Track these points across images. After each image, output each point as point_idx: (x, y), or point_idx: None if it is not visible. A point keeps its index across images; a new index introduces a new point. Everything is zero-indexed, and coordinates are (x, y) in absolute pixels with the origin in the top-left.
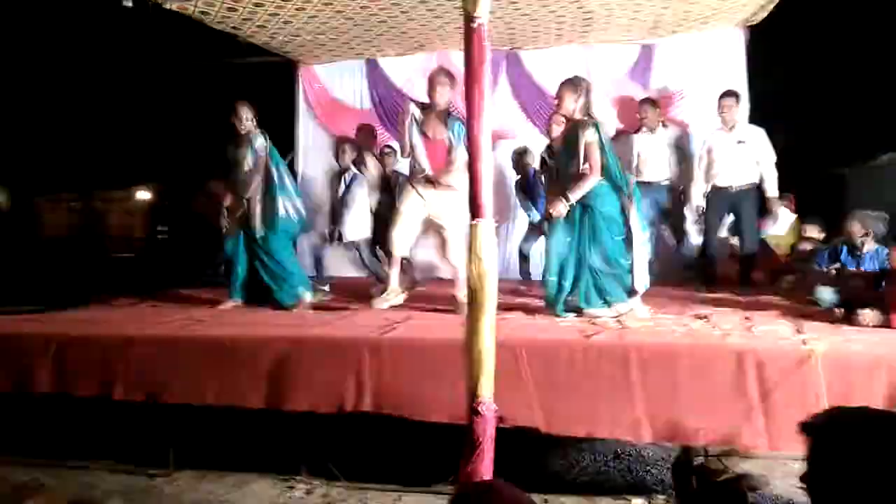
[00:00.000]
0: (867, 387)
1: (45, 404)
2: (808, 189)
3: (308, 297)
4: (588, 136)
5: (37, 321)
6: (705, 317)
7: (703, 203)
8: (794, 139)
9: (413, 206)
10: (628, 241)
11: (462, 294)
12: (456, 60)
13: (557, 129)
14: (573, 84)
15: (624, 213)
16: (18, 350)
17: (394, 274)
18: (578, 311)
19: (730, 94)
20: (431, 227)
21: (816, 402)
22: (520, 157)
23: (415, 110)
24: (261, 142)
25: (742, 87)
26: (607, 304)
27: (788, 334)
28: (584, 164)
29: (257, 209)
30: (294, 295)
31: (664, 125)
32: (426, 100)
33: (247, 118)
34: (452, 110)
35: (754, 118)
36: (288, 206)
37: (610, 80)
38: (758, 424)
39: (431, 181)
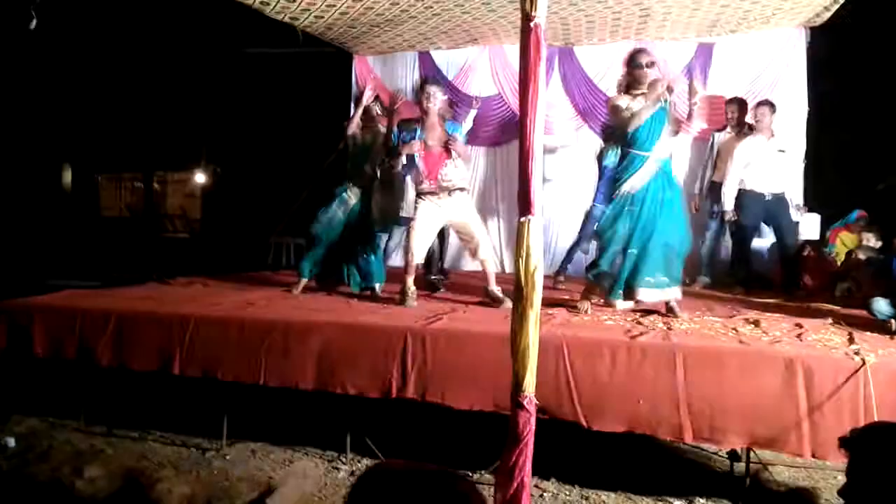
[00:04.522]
0: None
1: (106, 373)
2: (867, 195)
3: (378, 289)
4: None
5: (98, 296)
6: (756, 322)
7: (732, 206)
8: (854, 143)
9: (429, 217)
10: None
11: (494, 287)
12: (509, 55)
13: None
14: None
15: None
16: (81, 323)
17: (409, 279)
18: (629, 294)
19: (764, 102)
20: (457, 231)
21: (866, 414)
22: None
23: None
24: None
25: (802, 89)
26: (665, 284)
27: (840, 343)
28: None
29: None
30: (370, 286)
31: (749, 128)
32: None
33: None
34: (448, 116)
35: (814, 120)
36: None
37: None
38: (804, 432)
39: (438, 192)
